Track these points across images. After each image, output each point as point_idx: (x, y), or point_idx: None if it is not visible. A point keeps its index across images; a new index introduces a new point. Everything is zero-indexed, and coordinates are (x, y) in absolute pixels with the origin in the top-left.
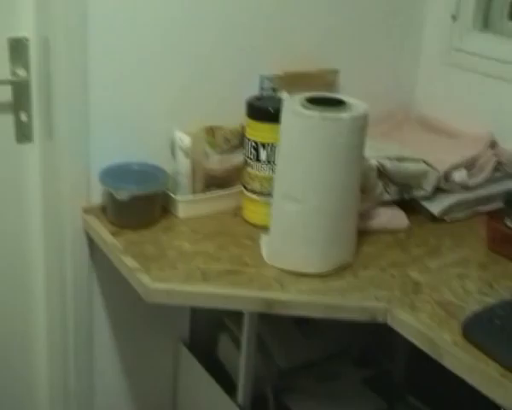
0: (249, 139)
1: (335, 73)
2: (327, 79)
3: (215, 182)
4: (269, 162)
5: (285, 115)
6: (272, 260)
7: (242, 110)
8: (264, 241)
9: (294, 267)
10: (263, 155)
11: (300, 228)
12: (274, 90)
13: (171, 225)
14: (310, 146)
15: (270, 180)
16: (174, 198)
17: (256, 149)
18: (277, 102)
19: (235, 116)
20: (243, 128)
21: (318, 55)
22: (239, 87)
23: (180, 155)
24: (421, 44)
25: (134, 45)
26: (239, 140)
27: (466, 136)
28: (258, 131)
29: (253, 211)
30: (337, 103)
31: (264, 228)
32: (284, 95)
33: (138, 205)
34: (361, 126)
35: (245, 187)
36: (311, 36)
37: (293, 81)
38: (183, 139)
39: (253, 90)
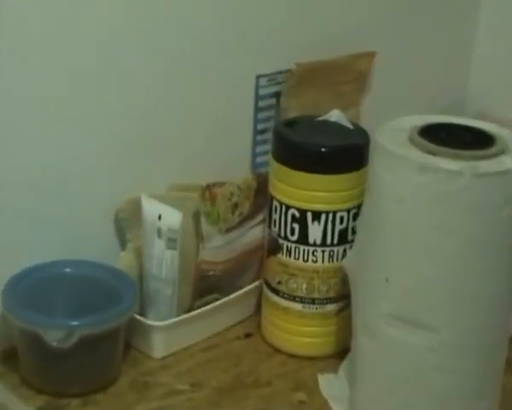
0: (285, 205)
1: (371, 57)
2: (358, 67)
3: (211, 284)
4: (326, 244)
5: (388, 169)
6: None
7: (238, 146)
8: (334, 390)
9: None
10: (315, 231)
11: (435, 376)
12: (277, 96)
13: (143, 375)
14: (452, 226)
15: (331, 276)
16: (147, 325)
17: (301, 222)
18: (333, 131)
19: (221, 163)
20: (261, 181)
21: (343, 36)
22: (224, 103)
23: (158, 245)
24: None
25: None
26: (251, 204)
27: None
28: (306, 190)
29: (290, 330)
30: (464, 135)
31: (315, 359)
32: (336, 114)
33: (91, 353)
34: None
35: (271, 288)
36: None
37: (309, 78)
38: (168, 215)
39: (246, 103)
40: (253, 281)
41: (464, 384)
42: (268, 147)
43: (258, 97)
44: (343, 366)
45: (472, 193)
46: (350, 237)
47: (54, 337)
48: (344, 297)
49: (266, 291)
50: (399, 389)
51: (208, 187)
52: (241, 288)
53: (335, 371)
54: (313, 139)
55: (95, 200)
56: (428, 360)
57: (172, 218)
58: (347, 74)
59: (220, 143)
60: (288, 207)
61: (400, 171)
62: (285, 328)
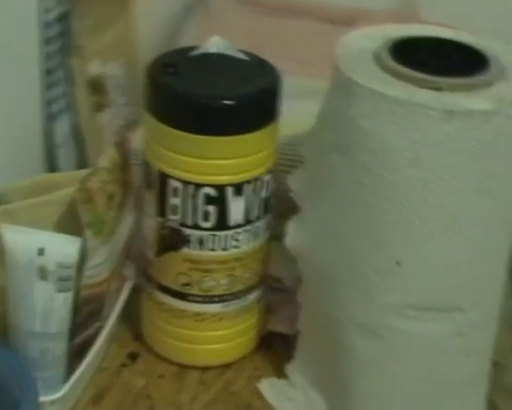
0: (194, 184)
1: None
2: None
3: (92, 310)
4: (249, 222)
5: (386, 122)
6: None
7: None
8: (297, 405)
9: None
10: (237, 208)
11: (463, 361)
12: (63, 19)
13: None
14: (487, 184)
15: (253, 259)
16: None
17: (219, 201)
18: (231, 70)
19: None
20: (122, 153)
21: None
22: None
23: (41, 291)
24: None
25: None
26: (121, 190)
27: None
28: (224, 159)
29: (205, 339)
30: (445, 52)
31: (236, 364)
32: (216, 42)
33: None
34: None
35: (174, 293)
36: None
37: None
38: (55, 246)
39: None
40: (121, 284)
41: (488, 362)
42: (60, 90)
43: (44, 25)
44: (295, 371)
45: (507, 136)
46: (271, 204)
47: None
48: (262, 278)
49: (162, 298)
50: (421, 388)
51: (83, 184)
52: (113, 299)
53: (269, 374)
54: (221, 89)
55: None
56: (456, 346)
57: (63, 248)
58: None
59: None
60: (198, 187)
61: (411, 122)
62: (197, 339)
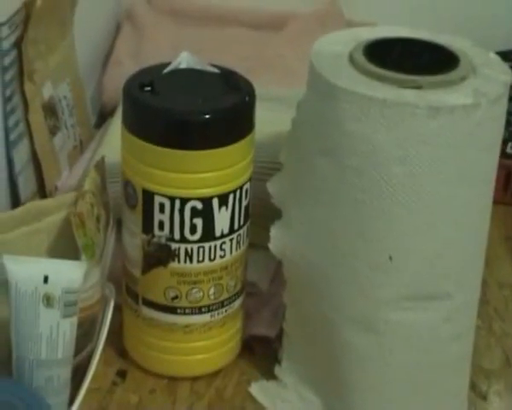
0: (180, 198)
1: None
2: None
3: (83, 333)
4: (234, 230)
5: (373, 123)
6: None
7: None
8: (294, 404)
9: None
10: (223, 219)
11: (452, 346)
12: (17, 46)
13: None
14: (469, 173)
15: (238, 266)
16: None
17: (205, 213)
18: (206, 84)
19: None
20: (100, 173)
21: None
22: None
23: (47, 318)
24: None
25: None
26: (104, 211)
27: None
28: (210, 171)
29: (194, 350)
30: (415, 51)
31: (225, 370)
32: (185, 58)
33: None
34: None
35: (162, 308)
36: None
37: (49, 9)
38: (60, 272)
39: None
40: (103, 304)
41: (472, 343)
42: (17, 117)
43: (1, 54)
44: (285, 371)
45: (486, 126)
46: (250, 210)
47: None
48: (244, 284)
49: (149, 313)
50: (414, 374)
51: (75, 208)
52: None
53: (257, 377)
54: (201, 103)
55: None
56: (446, 331)
57: (68, 273)
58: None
59: None
60: (185, 201)
61: (399, 122)
62: (186, 350)
